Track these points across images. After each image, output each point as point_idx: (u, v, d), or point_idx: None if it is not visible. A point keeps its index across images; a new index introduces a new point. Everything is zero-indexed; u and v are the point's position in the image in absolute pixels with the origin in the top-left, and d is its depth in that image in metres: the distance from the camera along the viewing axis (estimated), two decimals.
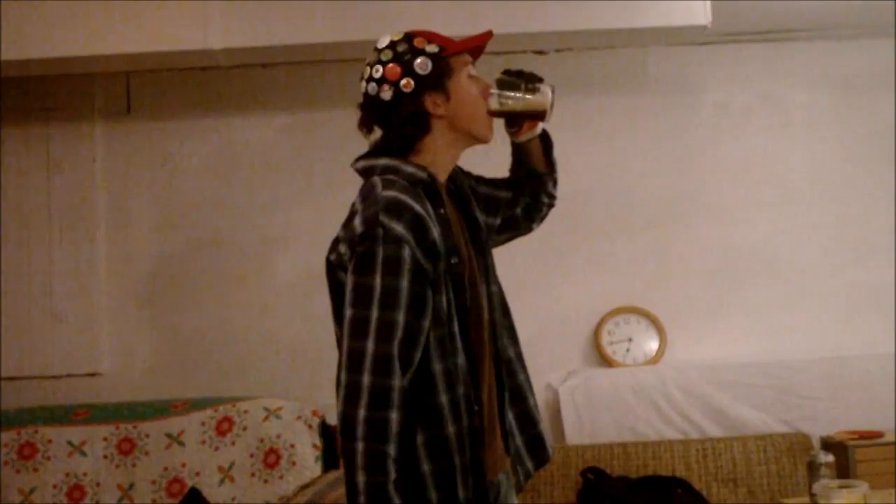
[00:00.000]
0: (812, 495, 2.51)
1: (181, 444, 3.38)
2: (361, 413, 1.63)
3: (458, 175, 1.98)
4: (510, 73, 1.94)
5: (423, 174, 1.81)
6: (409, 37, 1.84)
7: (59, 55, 3.38)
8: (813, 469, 2.71)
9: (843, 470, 3.21)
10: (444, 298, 1.74)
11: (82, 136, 3.87)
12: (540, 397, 3.61)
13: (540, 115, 1.94)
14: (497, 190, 2.07)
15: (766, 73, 3.86)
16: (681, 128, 3.85)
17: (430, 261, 1.72)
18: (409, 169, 1.81)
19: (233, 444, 3.37)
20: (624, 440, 3.50)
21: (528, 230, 2.15)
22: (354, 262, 1.71)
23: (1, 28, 3.31)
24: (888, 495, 2.68)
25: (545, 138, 2.07)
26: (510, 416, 1.93)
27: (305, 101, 3.88)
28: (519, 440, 1.93)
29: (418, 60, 1.81)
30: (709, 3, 3.31)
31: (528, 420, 1.95)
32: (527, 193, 2.09)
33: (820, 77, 3.85)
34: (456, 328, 1.76)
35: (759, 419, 3.53)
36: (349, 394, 1.65)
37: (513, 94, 1.90)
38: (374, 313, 1.67)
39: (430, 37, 1.85)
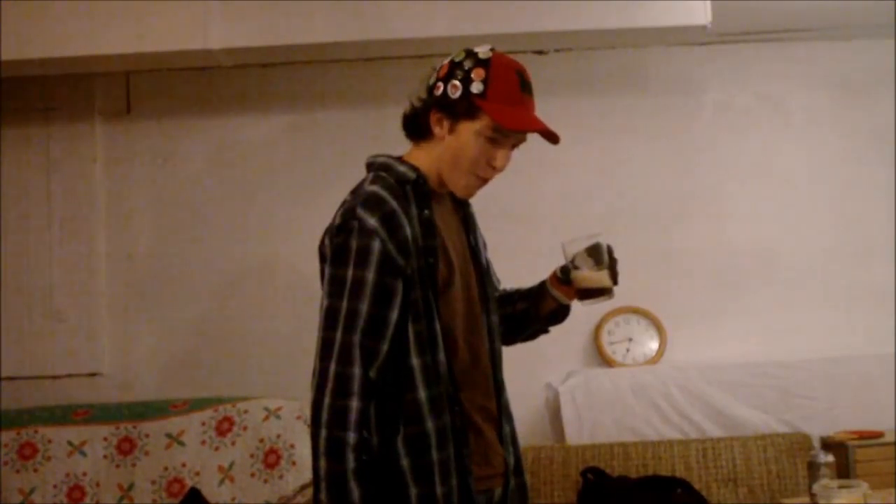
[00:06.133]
0: (812, 495, 2.51)
1: (181, 444, 3.38)
2: (326, 400, 1.68)
3: (476, 225, 2.01)
4: (610, 251, 1.97)
5: (412, 174, 1.83)
6: (483, 61, 1.81)
7: (59, 55, 3.38)
8: (813, 469, 2.71)
9: (843, 470, 3.21)
10: (420, 295, 1.76)
11: (82, 136, 3.87)
12: (540, 397, 3.64)
13: (578, 294, 1.98)
14: (496, 277, 2.07)
15: (766, 73, 3.85)
16: (681, 128, 3.85)
17: (403, 255, 1.74)
18: (401, 168, 1.84)
19: (233, 444, 3.37)
20: (624, 440, 3.50)
21: None
22: (331, 254, 1.76)
23: (1, 28, 3.31)
24: (888, 495, 2.68)
25: (564, 313, 2.08)
26: (511, 458, 1.94)
27: (305, 101, 3.88)
28: (513, 482, 1.94)
29: (455, 82, 1.80)
30: (709, 3, 3.31)
31: (518, 465, 1.97)
32: (506, 311, 2.06)
33: (820, 77, 3.85)
34: (437, 326, 1.78)
35: (759, 419, 3.53)
36: (318, 381, 1.71)
37: (586, 258, 1.94)
38: (344, 304, 1.71)
39: (501, 78, 1.79)
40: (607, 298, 1.97)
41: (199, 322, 3.82)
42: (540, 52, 3.76)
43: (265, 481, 3.31)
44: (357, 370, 1.68)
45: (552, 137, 1.84)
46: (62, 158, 3.86)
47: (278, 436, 3.36)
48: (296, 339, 3.72)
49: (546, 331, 2.12)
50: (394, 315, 1.73)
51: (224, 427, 3.39)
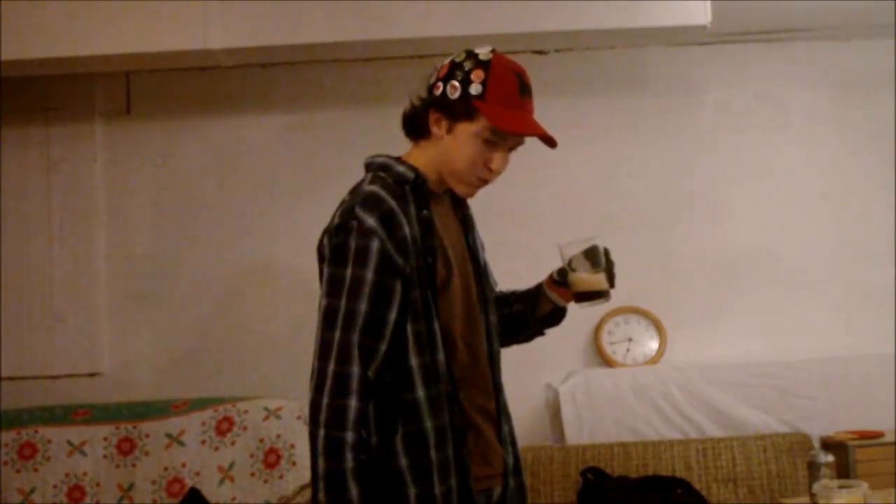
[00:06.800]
0: (812, 495, 2.50)
1: (181, 444, 3.38)
2: (324, 400, 1.68)
3: (474, 225, 2.01)
4: (607, 253, 1.97)
5: (410, 174, 1.84)
6: (484, 63, 1.80)
7: (59, 55, 3.38)
8: (813, 469, 2.71)
9: (843, 470, 3.21)
10: (418, 294, 1.76)
11: (82, 136, 3.87)
12: (540, 397, 3.64)
13: (574, 296, 1.97)
14: (493, 279, 2.06)
15: (766, 73, 3.85)
16: (681, 128, 3.85)
17: (402, 255, 1.74)
18: (399, 168, 1.85)
19: (233, 444, 3.37)
20: (624, 440, 3.50)
21: None
22: (330, 253, 1.76)
23: (1, 28, 3.31)
24: (888, 495, 2.68)
25: (561, 315, 2.08)
26: (510, 458, 1.94)
27: (305, 101, 3.88)
28: (512, 483, 1.94)
29: (454, 83, 1.80)
30: (709, 3, 3.31)
31: (517, 465, 1.97)
32: (503, 313, 2.07)
33: (820, 77, 3.85)
34: (436, 326, 1.78)
35: (759, 419, 3.52)
36: (317, 381, 1.71)
37: (583, 261, 1.93)
38: (343, 303, 1.72)
39: (501, 80, 1.79)
40: (604, 301, 1.96)
41: (199, 322, 3.82)
42: (540, 52, 3.76)
43: (265, 481, 3.31)
44: (356, 370, 1.68)
45: (550, 141, 1.83)
46: (62, 158, 3.86)
47: (278, 436, 3.36)
48: (296, 339, 3.72)
49: (542, 333, 2.12)
50: (392, 315, 1.73)
51: (224, 427, 3.39)
